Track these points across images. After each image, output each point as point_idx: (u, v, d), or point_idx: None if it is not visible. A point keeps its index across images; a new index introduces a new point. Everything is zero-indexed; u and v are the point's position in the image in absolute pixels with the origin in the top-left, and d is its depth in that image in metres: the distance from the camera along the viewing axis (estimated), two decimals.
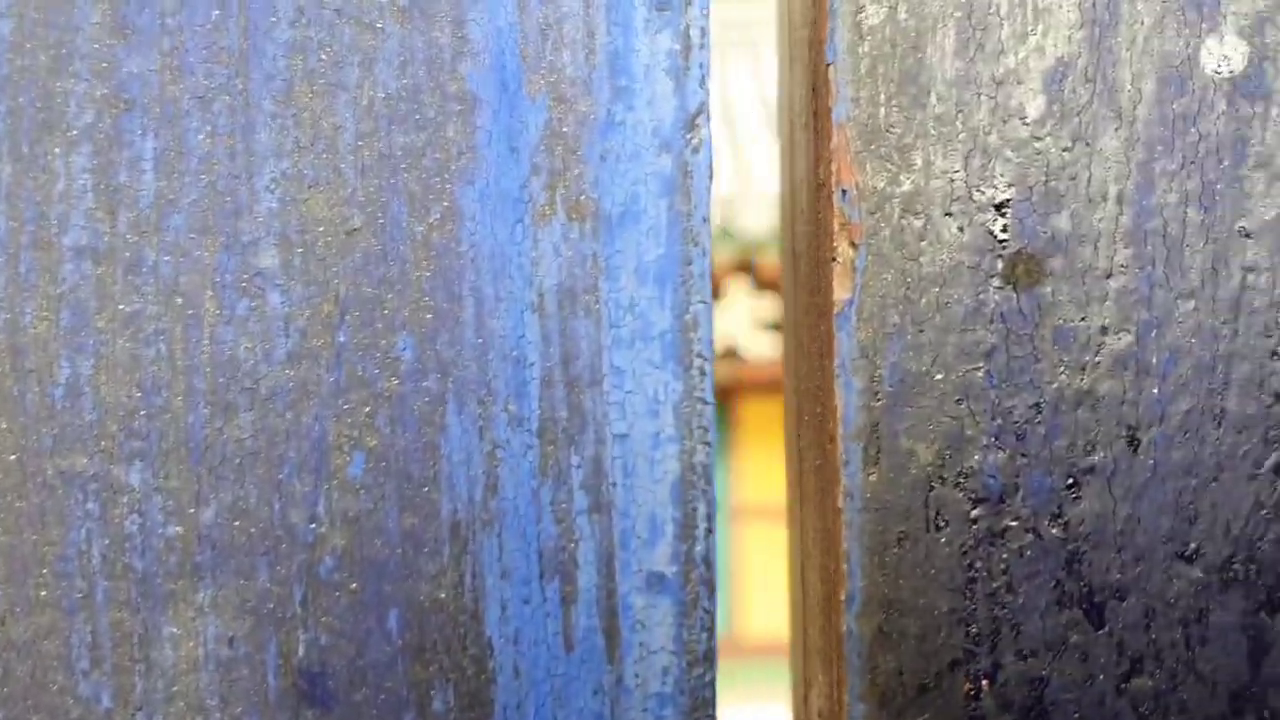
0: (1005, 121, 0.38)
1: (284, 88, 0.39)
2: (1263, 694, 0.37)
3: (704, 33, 0.39)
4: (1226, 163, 0.38)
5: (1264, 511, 0.37)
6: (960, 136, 0.38)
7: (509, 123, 0.39)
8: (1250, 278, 0.37)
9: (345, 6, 0.39)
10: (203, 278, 0.38)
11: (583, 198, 0.38)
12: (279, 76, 0.39)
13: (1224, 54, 0.38)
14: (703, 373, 0.38)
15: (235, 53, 0.39)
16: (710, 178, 0.39)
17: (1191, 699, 0.36)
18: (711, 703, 0.38)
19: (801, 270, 0.43)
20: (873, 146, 0.38)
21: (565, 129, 0.39)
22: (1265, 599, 0.37)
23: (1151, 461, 0.37)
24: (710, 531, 0.38)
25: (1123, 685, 0.37)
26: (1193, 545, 0.37)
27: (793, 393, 0.46)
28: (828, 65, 0.38)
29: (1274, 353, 0.37)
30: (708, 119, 0.39)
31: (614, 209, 0.38)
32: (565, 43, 0.39)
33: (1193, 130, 0.38)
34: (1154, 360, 0.37)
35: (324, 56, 0.39)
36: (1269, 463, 0.37)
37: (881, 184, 0.38)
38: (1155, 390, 0.37)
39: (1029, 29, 0.38)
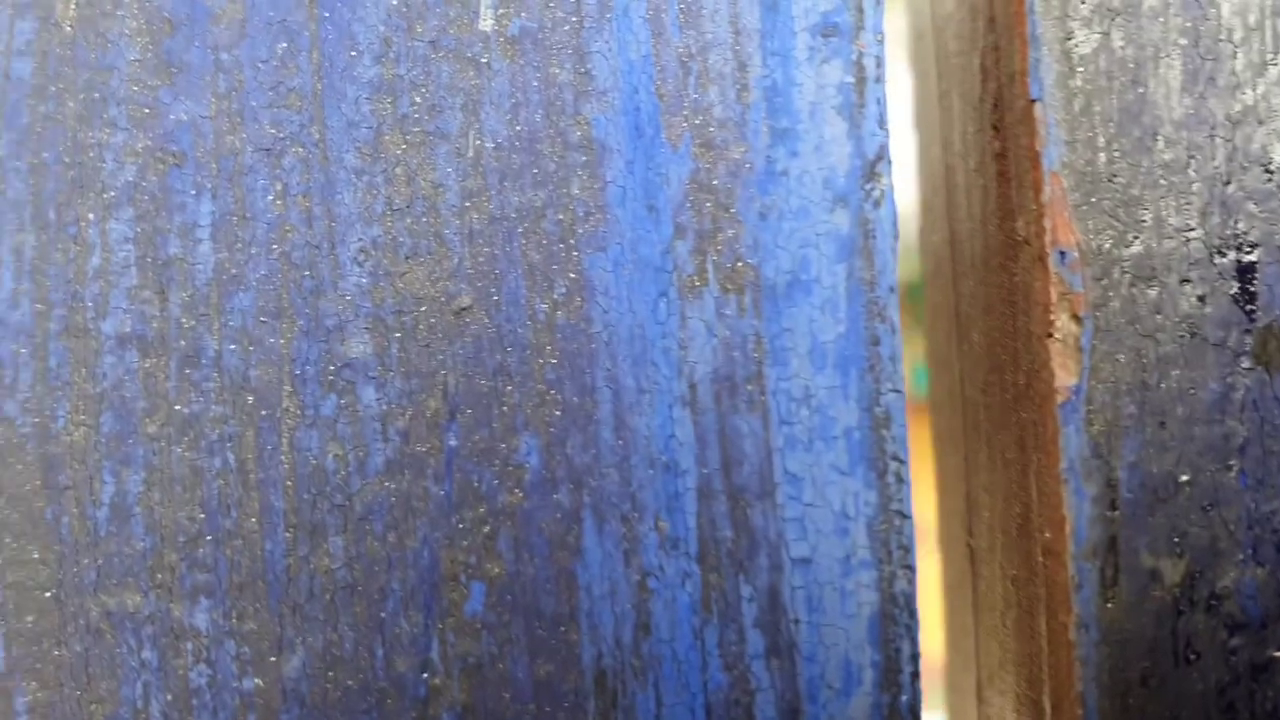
0: (1245, 169, 0.31)
1: (370, 136, 0.32)
2: None
3: (879, 62, 0.32)
4: None
5: None
6: (1194, 187, 0.31)
7: (645, 175, 0.32)
8: None
9: (442, 38, 0.32)
10: (278, 370, 0.31)
11: (740, 264, 0.32)
12: (363, 124, 0.32)
13: None
14: (899, 479, 0.31)
15: (308, 94, 0.32)
16: (895, 238, 0.32)
17: None
18: None
19: (977, 340, 0.37)
20: (1094, 199, 0.31)
21: (715, 181, 0.32)
22: None
23: None
24: (916, 676, 0.31)
25: None
26: None
27: (958, 478, 0.40)
28: (1032, 102, 0.32)
29: None
30: (889, 166, 0.32)
31: (779, 277, 0.32)
32: (711, 77, 0.32)
33: None
34: None
35: (418, 99, 0.32)
36: None
37: (1108, 245, 0.31)
38: None
39: (1269, 57, 0.31)
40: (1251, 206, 0.31)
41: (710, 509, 0.31)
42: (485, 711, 0.31)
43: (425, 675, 0.31)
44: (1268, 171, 0.31)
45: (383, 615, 0.31)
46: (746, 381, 0.31)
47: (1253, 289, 0.31)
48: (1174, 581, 0.30)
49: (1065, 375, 0.31)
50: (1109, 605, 0.30)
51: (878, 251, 0.32)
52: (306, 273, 0.32)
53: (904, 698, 0.30)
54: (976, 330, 0.36)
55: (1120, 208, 0.31)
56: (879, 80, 0.32)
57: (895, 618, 0.31)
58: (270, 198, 0.32)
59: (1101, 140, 0.31)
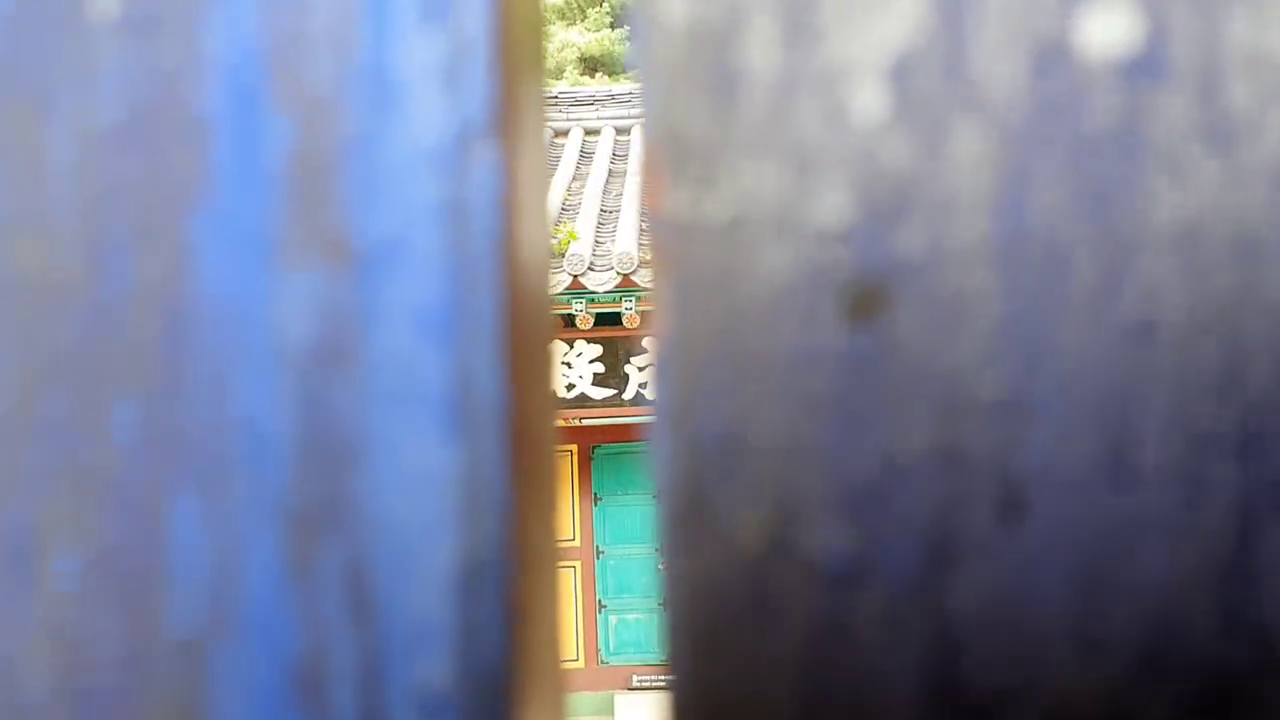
0: (839, 124, 0.31)
1: None
2: None
3: (485, 37, 0.32)
4: (1119, 159, 0.31)
5: (1191, 583, 0.30)
6: (784, 145, 0.31)
7: (250, 147, 0.32)
8: (1157, 295, 0.31)
9: (62, 19, 0.33)
10: None
11: (340, 233, 0.32)
12: None
13: (1110, 29, 0.31)
14: (491, 441, 0.31)
15: None
16: (498, 205, 0.32)
17: None
18: None
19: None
20: (682, 163, 0.31)
21: (317, 152, 0.32)
22: (1196, 694, 0.30)
23: (1041, 527, 0.30)
24: (510, 633, 0.31)
25: None
26: (1099, 631, 0.30)
27: None
28: (637, 72, 0.32)
29: (1191, 386, 0.30)
30: (493, 135, 0.32)
31: (377, 245, 0.32)
32: (318, 53, 0.33)
33: (1073, 122, 0.31)
34: (1035, 401, 0.30)
35: (36, 76, 0.33)
36: (1192, 524, 0.30)
37: (692, 205, 0.31)
38: (1039, 438, 0.30)
39: (865, 12, 0.31)
40: (843, 161, 0.31)
41: (302, 474, 0.31)
42: (76, 679, 0.30)
43: (17, 643, 0.31)
44: (862, 126, 0.31)
45: None
46: (342, 347, 0.32)
47: (838, 243, 0.31)
48: (758, 534, 0.30)
49: (658, 330, 0.31)
50: (692, 562, 0.30)
51: (475, 218, 0.32)
52: None
53: (487, 657, 0.30)
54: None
55: (706, 169, 0.31)
56: (483, 53, 0.32)
57: (480, 578, 0.30)
58: None
59: (691, 104, 0.31)
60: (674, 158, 0.31)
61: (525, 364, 0.35)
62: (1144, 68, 0.31)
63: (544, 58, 0.43)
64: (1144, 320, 0.30)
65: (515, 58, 0.35)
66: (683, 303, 0.31)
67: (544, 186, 0.41)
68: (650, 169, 0.32)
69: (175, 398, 0.31)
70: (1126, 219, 0.31)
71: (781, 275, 0.31)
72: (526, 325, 0.35)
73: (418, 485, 0.31)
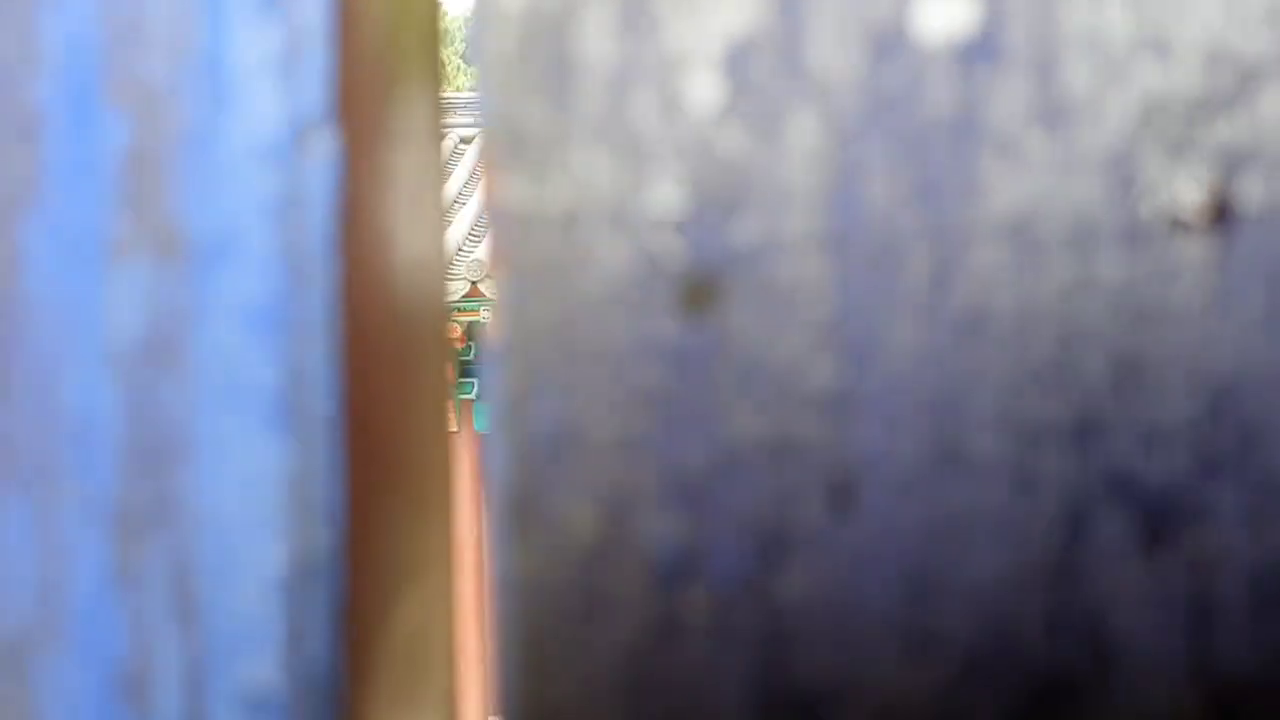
0: (675, 115, 0.31)
1: None
2: None
3: (323, 26, 0.32)
4: (955, 147, 0.31)
5: (1019, 582, 0.30)
6: (619, 136, 0.31)
7: (84, 142, 0.32)
8: (989, 285, 0.30)
9: None
10: None
11: (172, 228, 0.31)
12: None
13: (946, 14, 0.31)
14: (324, 439, 0.31)
15: None
16: (333, 200, 0.32)
17: None
18: None
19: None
20: (518, 154, 0.31)
21: (152, 145, 0.32)
22: (1024, 693, 0.29)
23: (869, 522, 0.30)
24: (341, 635, 0.30)
25: None
26: (928, 628, 0.29)
27: None
28: (475, 63, 0.32)
29: (1024, 378, 0.30)
30: (330, 128, 0.32)
31: (209, 240, 0.31)
32: (154, 44, 0.32)
33: (909, 110, 0.31)
34: (865, 394, 0.30)
35: None
36: (1023, 518, 0.30)
37: (528, 197, 0.31)
38: (869, 431, 0.30)
39: (701, 0, 0.31)
40: (678, 152, 0.31)
41: (128, 474, 0.31)
42: None
43: None
44: (697, 115, 0.31)
45: None
46: (171, 344, 0.31)
47: (672, 234, 0.30)
48: (586, 532, 0.30)
49: (495, 327, 0.30)
50: (523, 561, 0.29)
51: (310, 213, 0.31)
52: None
53: (316, 657, 0.29)
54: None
55: (541, 160, 0.31)
56: (322, 41, 0.32)
57: (310, 578, 0.30)
58: None
59: (527, 94, 0.31)
60: (510, 149, 0.31)
61: (386, 365, 0.35)
62: (980, 51, 0.31)
63: (435, 54, 0.42)
64: (975, 311, 0.30)
65: (373, 50, 0.35)
66: (518, 296, 0.30)
67: (433, 188, 0.40)
68: (488, 161, 0.31)
69: (3, 401, 0.31)
70: (960, 208, 0.30)
71: (615, 267, 0.30)
72: (385, 325, 0.35)
73: (245, 485, 0.30)
